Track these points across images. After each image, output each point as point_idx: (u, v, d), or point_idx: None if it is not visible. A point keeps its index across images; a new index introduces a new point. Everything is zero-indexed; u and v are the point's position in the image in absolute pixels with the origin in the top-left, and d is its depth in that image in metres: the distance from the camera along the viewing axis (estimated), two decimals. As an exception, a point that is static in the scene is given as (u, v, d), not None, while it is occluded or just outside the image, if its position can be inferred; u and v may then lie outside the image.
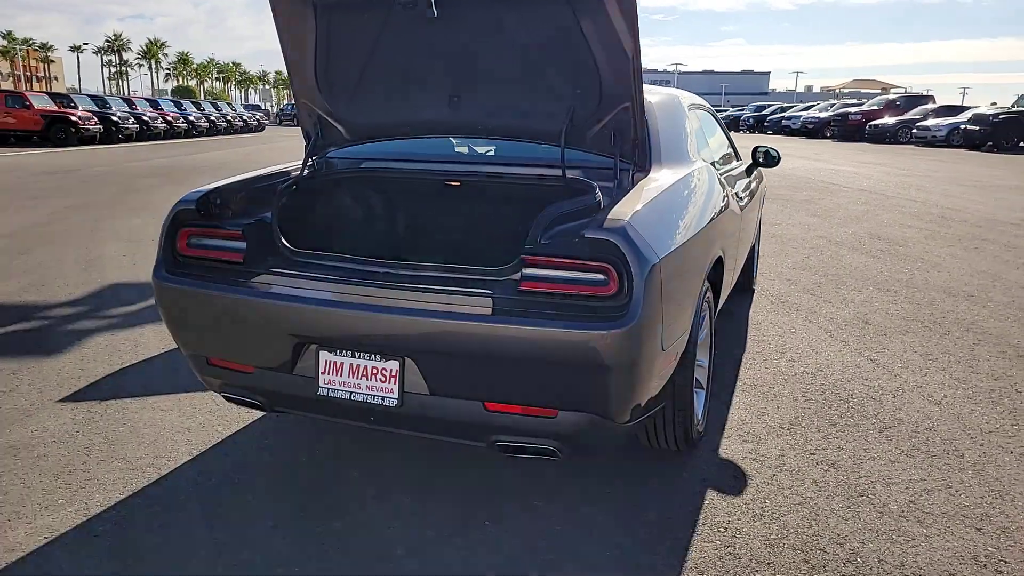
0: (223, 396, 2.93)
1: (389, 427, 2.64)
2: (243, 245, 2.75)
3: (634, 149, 2.94)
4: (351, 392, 2.54)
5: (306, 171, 3.29)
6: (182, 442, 3.32)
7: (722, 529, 2.67)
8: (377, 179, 3.60)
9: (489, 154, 3.64)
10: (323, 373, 2.57)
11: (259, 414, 3.60)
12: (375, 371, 2.51)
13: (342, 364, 2.55)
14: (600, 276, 2.28)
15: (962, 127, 27.34)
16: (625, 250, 2.23)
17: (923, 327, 5.22)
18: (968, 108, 31.58)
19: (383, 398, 2.51)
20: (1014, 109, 27.68)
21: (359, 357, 2.53)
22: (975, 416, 3.68)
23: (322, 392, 2.58)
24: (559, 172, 3.02)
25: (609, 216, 2.38)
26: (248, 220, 2.83)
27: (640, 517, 2.74)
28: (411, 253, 3.62)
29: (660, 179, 2.98)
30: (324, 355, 2.56)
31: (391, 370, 2.49)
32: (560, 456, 2.50)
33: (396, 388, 2.49)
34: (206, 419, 3.57)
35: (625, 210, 2.44)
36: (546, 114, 2.97)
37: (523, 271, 2.38)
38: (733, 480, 3.03)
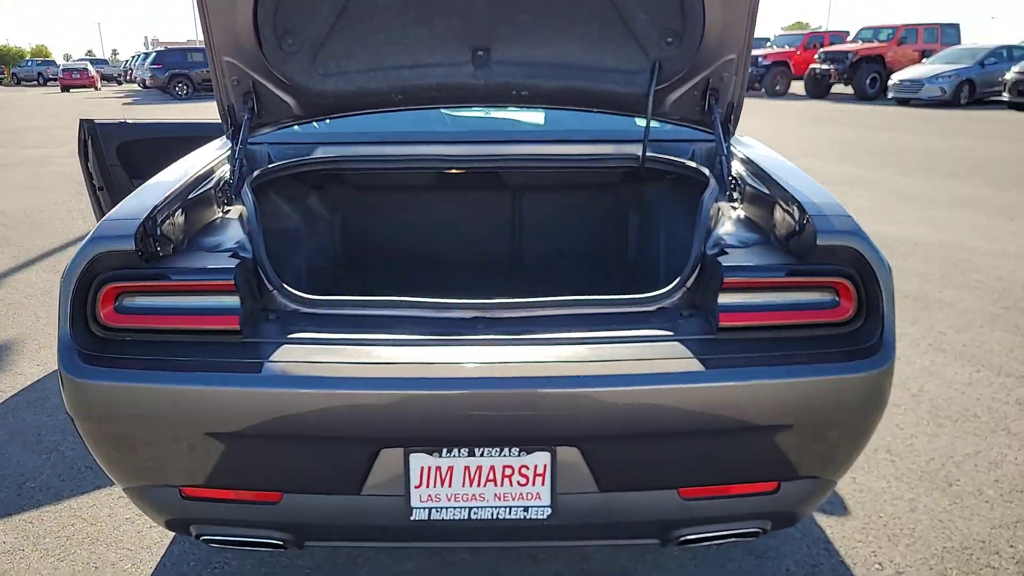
0: (205, 540, 1.90)
1: (526, 542, 1.82)
2: (237, 303, 1.74)
3: (728, 116, 2.28)
4: (470, 508, 1.70)
5: (239, 168, 2.23)
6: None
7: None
8: (367, 174, 2.62)
9: (510, 129, 2.77)
10: (418, 487, 1.71)
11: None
12: (508, 473, 1.69)
13: (451, 470, 1.69)
14: (827, 296, 1.73)
15: None
16: (869, 257, 1.71)
17: None
18: None
19: (525, 509, 1.70)
20: None
21: (479, 455, 1.69)
22: None
23: (419, 515, 1.71)
24: (624, 150, 2.32)
25: (830, 211, 1.74)
26: (217, 256, 1.84)
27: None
28: (468, 282, 2.75)
29: (763, 152, 2.35)
30: (418, 460, 1.69)
31: (536, 467, 1.69)
32: (760, 535, 1.87)
33: (546, 491, 1.70)
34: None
35: (830, 202, 1.81)
36: (619, 70, 2.19)
37: (720, 299, 1.72)
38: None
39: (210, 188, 2.12)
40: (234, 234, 1.97)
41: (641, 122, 2.55)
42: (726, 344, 1.71)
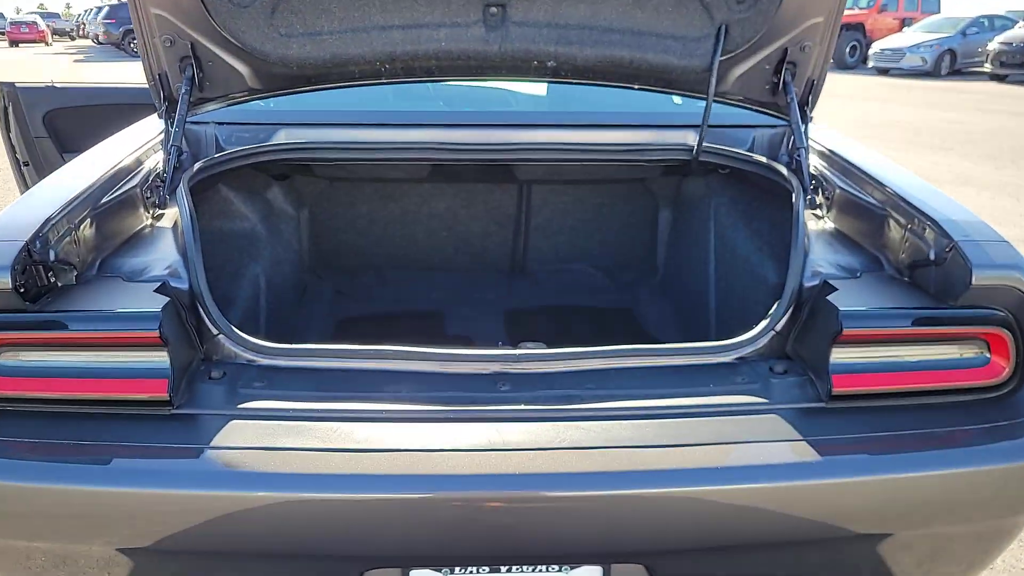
0: None
1: None
2: (164, 361, 1.25)
3: (806, 97, 1.82)
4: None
5: (174, 158, 1.73)
6: None
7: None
8: (343, 166, 2.12)
9: (524, 110, 2.29)
10: (421, 616, 1.25)
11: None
12: (543, 596, 1.24)
13: (465, 593, 1.23)
14: (973, 351, 1.34)
15: None
16: None
17: None
18: None
19: None
20: None
21: (505, 572, 1.23)
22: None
23: None
24: (667, 138, 2.00)
25: (981, 236, 1.30)
26: (137, 291, 1.39)
27: None
28: (462, 290, 2.54)
29: (847, 142, 1.91)
30: (421, 579, 1.23)
31: (582, 590, 1.24)
32: None
33: (595, 622, 1.25)
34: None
35: (973, 220, 1.37)
36: (674, 36, 1.72)
37: (834, 355, 1.31)
38: None
39: (135, 186, 1.61)
40: (165, 253, 1.47)
41: (681, 102, 2.08)
42: (842, 418, 1.28)
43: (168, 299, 1.30)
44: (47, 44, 34.68)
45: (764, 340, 1.44)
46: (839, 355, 1.29)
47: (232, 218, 2.20)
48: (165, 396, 1.24)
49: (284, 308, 2.31)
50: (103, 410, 1.25)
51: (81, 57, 24.63)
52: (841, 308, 1.29)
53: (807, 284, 1.43)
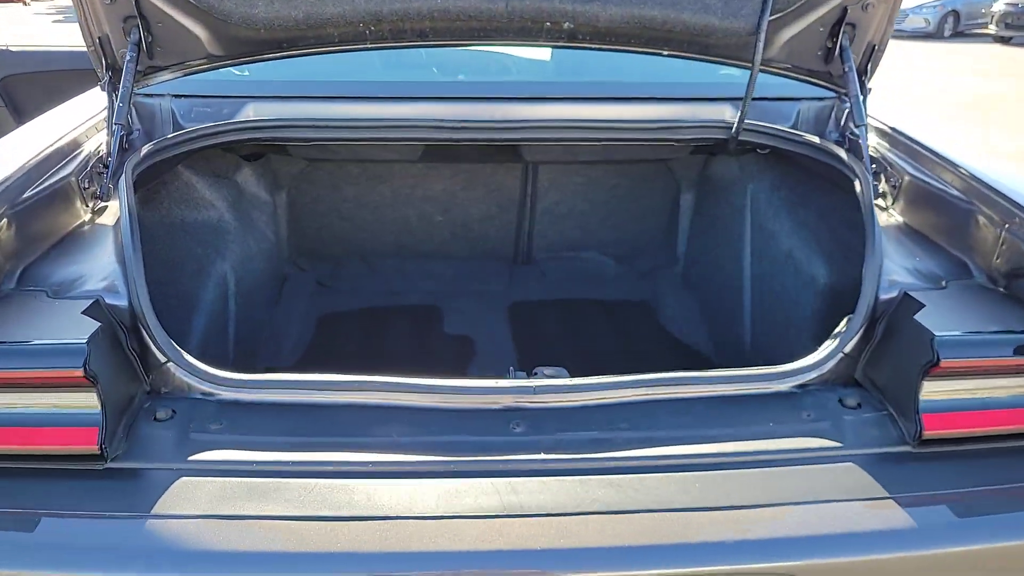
0: None
1: None
2: (94, 406, 0.99)
3: (865, 65, 1.56)
4: None
5: (117, 139, 1.45)
6: None
7: None
8: (322, 147, 1.87)
9: (532, 80, 2.02)
10: None
11: None
12: None
13: None
14: None
15: None
16: None
17: None
18: None
19: None
20: None
21: None
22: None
23: None
24: (700, 113, 1.76)
25: None
26: (58, 311, 1.14)
27: None
28: (457, 280, 2.36)
29: (910, 120, 1.65)
30: None
31: None
32: None
33: None
34: None
35: None
36: None
37: (924, 391, 1.05)
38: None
39: (69, 174, 1.34)
40: (103, 261, 1.21)
41: (704, 69, 1.81)
42: (934, 467, 1.04)
43: (99, 324, 1.05)
44: (25, 4, 33.63)
45: (831, 364, 1.20)
46: (932, 390, 1.05)
47: (195, 206, 1.92)
48: (95, 448, 0.99)
49: (257, 310, 2.05)
50: (18, 466, 1.00)
51: (60, 18, 23.81)
52: (937, 333, 1.05)
53: (882, 296, 1.19)
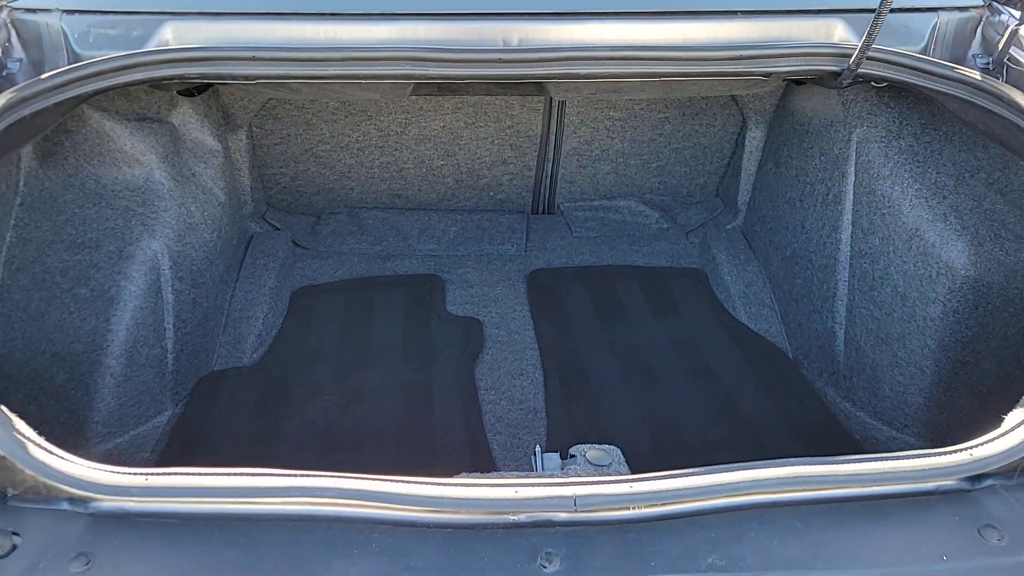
0: None
1: None
2: None
3: None
4: None
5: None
6: None
7: None
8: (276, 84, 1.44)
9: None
10: None
11: None
12: None
13: None
14: None
15: None
16: None
17: None
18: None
19: None
20: None
21: None
22: None
23: None
24: (794, 31, 1.32)
25: None
26: None
27: None
28: (461, 238, 2.01)
29: None
30: None
31: None
32: None
33: None
34: None
35: None
36: None
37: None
38: None
39: None
40: None
41: None
42: None
43: None
44: None
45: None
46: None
47: (112, 162, 1.45)
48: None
49: (206, 295, 1.62)
50: None
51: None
52: None
53: None
